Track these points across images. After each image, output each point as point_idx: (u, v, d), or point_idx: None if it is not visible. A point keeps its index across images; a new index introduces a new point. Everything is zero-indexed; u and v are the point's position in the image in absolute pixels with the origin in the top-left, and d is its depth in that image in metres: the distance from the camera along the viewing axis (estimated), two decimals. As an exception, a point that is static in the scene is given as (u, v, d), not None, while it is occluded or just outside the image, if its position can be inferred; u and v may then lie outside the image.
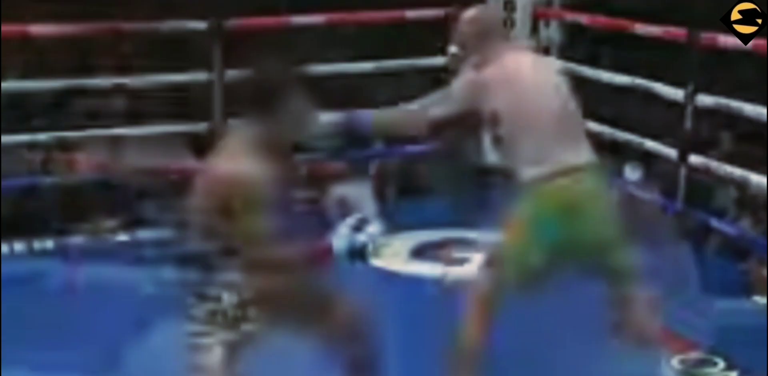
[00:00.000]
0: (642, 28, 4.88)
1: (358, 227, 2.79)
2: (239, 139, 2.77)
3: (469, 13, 3.24)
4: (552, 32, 5.50)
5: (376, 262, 4.75)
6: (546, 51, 5.46)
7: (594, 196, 3.10)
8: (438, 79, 7.83)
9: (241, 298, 2.83)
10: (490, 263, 3.21)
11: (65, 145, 6.31)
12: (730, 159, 4.98)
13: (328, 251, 2.77)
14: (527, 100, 3.08)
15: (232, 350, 2.83)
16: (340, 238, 2.77)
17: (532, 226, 3.08)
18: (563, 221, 3.05)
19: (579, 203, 3.06)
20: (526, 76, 3.13)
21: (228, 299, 2.81)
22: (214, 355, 2.81)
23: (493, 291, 3.16)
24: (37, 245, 5.05)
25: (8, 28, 4.93)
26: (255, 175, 2.68)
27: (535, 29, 5.46)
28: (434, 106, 3.25)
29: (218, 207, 2.71)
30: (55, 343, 3.94)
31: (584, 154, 3.12)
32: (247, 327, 2.84)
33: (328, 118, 3.23)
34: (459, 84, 3.22)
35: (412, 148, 6.03)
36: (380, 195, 6.87)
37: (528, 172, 3.07)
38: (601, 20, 5.21)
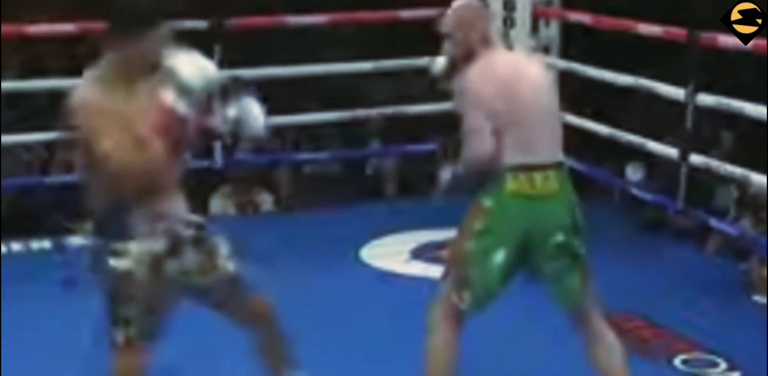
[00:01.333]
0: (643, 28, 4.86)
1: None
2: (97, 69, 2.77)
3: (455, 4, 3.18)
4: (552, 31, 5.48)
5: (376, 262, 4.76)
6: (546, 50, 5.45)
7: (560, 195, 3.09)
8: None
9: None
10: (453, 265, 3.16)
11: (64, 146, 6.29)
12: (731, 159, 4.97)
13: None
14: (516, 95, 3.04)
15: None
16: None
17: (496, 216, 3.05)
18: (526, 213, 3.04)
19: (544, 198, 3.05)
20: (514, 71, 3.09)
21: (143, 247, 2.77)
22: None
23: (459, 297, 3.11)
24: (35, 244, 5.04)
25: (6, 28, 4.91)
26: (98, 101, 2.67)
27: (535, 28, 5.43)
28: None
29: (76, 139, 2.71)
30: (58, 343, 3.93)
31: (557, 154, 3.12)
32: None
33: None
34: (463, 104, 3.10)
35: (410, 148, 6.01)
36: (379, 194, 6.86)
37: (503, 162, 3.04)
38: (603, 20, 5.19)
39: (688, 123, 4.72)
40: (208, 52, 5.06)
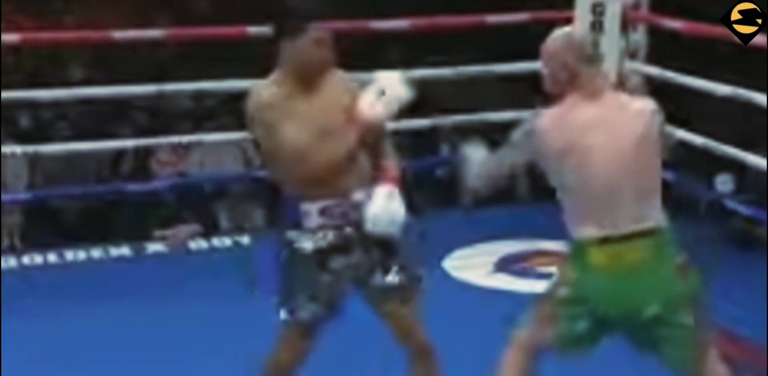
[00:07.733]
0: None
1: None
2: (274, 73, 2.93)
3: (552, 34, 2.79)
4: (639, 37, 5.32)
5: (459, 274, 4.64)
6: (632, 56, 5.29)
7: (654, 265, 2.78)
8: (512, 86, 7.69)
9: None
10: (542, 318, 2.94)
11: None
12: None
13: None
14: (586, 156, 2.73)
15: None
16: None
17: (581, 289, 2.82)
18: (614, 288, 2.77)
19: (634, 270, 2.75)
20: (592, 124, 2.73)
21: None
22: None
23: (538, 348, 2.95)
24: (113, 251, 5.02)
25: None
26: (273, 98, 2.84)
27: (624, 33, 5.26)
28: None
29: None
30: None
31: (648, 219, 2.76)
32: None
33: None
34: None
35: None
36: (453, 203, 6.73)
37: (581, 232, 2.77)
38: (697, 27, 4.96)
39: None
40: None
